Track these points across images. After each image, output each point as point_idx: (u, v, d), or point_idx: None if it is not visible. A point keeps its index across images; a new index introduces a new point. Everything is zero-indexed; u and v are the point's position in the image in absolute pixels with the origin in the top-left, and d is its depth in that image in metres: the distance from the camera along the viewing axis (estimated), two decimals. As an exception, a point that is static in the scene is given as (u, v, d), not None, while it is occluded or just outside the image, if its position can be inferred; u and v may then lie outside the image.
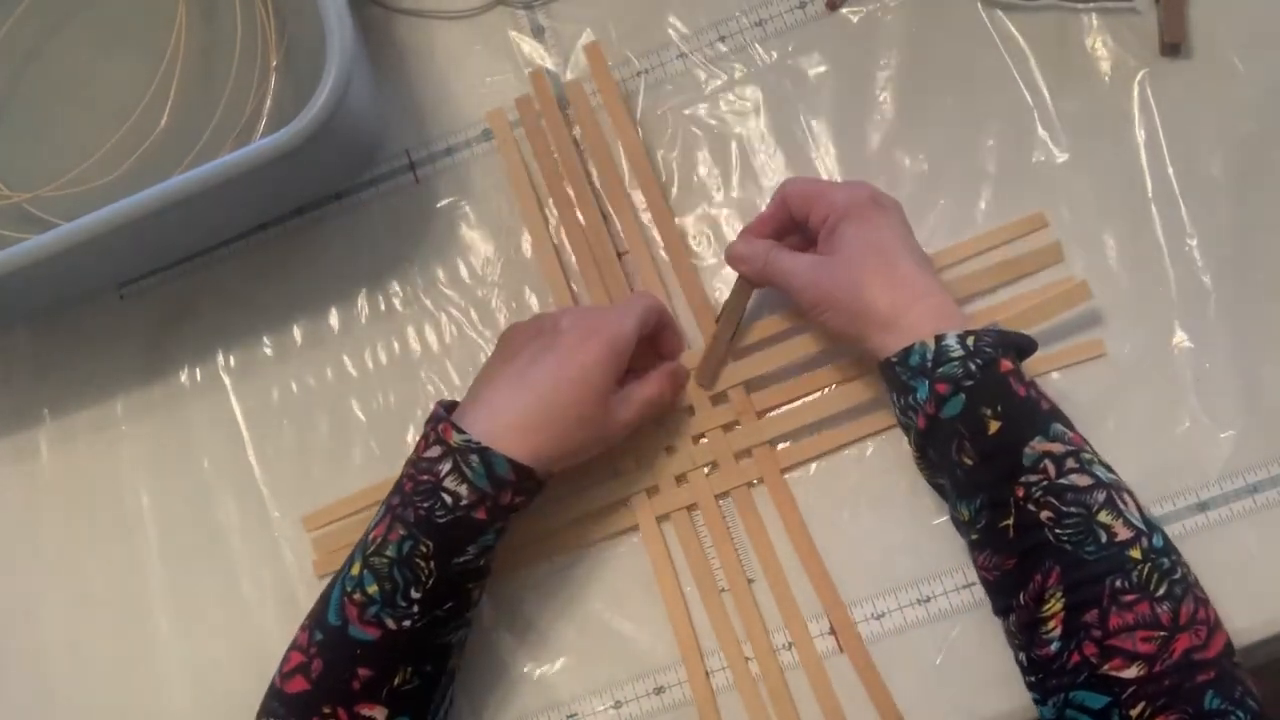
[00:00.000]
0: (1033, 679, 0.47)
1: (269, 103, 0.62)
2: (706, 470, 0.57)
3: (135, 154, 0.62)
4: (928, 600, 0.54)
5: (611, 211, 0.61)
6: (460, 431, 0.49)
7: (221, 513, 0.62)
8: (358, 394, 0.62)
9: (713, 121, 0.61)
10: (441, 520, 0.49)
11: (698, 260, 0.60)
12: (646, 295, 0.57)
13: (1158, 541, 0.45)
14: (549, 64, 0.63)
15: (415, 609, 0.48)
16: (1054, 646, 0.45)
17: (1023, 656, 0.47)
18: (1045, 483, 0.45)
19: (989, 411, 0.46)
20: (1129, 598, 0.43)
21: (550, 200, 0.61)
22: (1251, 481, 0.53)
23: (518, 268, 0.62)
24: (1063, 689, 0.45)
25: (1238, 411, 0.54)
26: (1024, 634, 0.47)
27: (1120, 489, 0.46)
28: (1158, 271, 0.56)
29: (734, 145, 0.61)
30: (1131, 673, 0.43)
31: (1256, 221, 0.56)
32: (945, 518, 0.54)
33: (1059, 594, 0.45)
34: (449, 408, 0.52)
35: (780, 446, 0.57)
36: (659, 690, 0.56)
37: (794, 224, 0.55)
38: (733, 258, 0.56)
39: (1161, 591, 0.43)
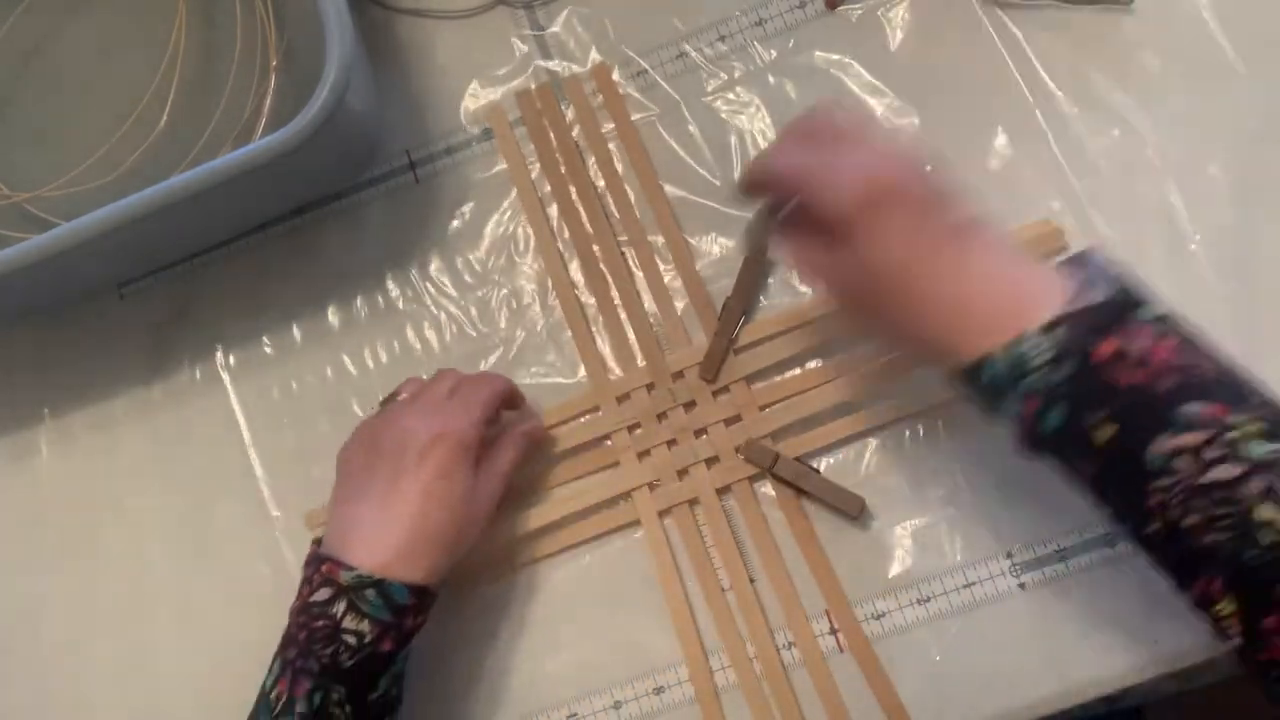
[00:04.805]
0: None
1: (269, 103, 0.62)
2: (708, 465, 0.57)
3: (135, 154, 0.62)
4: (928, 600, 0.54)
5: (614, 210, 0.61)
6: (348, 568, 0.48)
7: (221, 512, 0.62)
8: (358, 393, 0.62)
9: (712, 120, 0.61)
10: (348, 663, 0.47)
11: (699, 259, 0.60)
12: (489, 377, 0.56)
13: None
14: (549, 63, 0.63)
15: None
16: (1240, 641, 0.38)
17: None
18: (1183, 485, 0.37)
19: (1095, 418, 0.38)
20: None
21: (552, 199, 0.62)
22: (1252, 481, 0.53)
23: (518, 267, 0.62)
24: (1268, 678, 0.38)
25: (1238, 411, 0.54)
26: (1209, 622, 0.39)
27: None
28: (1160, 270, 0.56)
29: (734, 144, 0.61)
30: None
31: (1258, 221, 0.56)
32: (946, 515, 0.54)
33: (1229, 599, 0.37)
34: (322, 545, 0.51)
35: (782, 441, 0.57)
36: (659, 690, 0.56)
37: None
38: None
39: None
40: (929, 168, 0.43)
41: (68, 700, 0.61)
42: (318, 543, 0.52)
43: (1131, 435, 0.38)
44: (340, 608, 0.48)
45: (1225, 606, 0.37)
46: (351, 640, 0.47)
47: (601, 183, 0.61)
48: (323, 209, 0.64)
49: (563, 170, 0.62)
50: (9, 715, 0.61)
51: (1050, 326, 0.38)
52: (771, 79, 0.61)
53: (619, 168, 0.61)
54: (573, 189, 0.61)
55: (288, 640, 0.49)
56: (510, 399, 0.57)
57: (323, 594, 0.48)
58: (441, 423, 0.51)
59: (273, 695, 0.48)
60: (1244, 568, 0.36)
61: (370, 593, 0.48)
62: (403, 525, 0.49)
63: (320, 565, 0.49)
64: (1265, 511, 0.36)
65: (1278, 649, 0.36)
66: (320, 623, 0.48)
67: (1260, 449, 0.36)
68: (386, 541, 0.49)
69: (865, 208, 0.41)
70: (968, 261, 0.41)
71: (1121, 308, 0.39)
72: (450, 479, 0.50)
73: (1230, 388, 0.38)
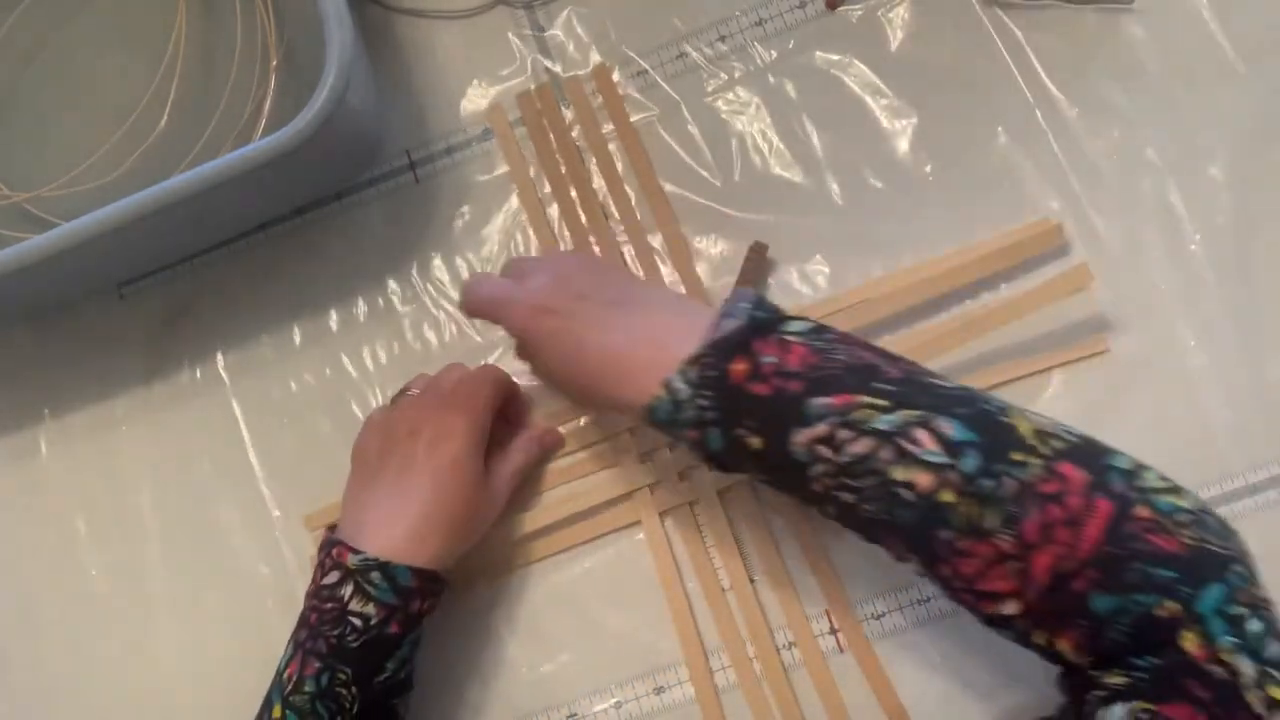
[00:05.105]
0: None
1: (269, 103, 0.62)
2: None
3: (135, 154, 0.62)
4: (927, 600, 0.54)
5: (613, 210, 0.61)
6: (356, 552, 0.49)
7: (221, 513, 0.62)
8: (357, 393, 0.62)
9: (712, 120, 0.61)
10: (354, 644, 0.48)
11: (698, 259, 0.60)
12: (491, 369, 0.57)
13: (969, 464, 0.39)
14: (549, 63, 0.63)
15: None
16: (945, 593, 0.42)
17: None
18: (830, 469, 0.41)
19: (744, 432, 0.42)
20: (962, 544, 0.39)
21: (552, 199, 0.62)
22: (1251, 482, 0.53)
23: (518, 267, 0.62)
24: (983, 624, 0.42)
25: (1238, 410, 0.54)
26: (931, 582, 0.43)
27: (909, 427, 0.40)
28: (1160, 270, 0.56)
29: (734, 144, 0.61)
30: (1011, 610, 0.39)
31: (1258, 221, 0.56)
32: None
33: (910, 557, 0.41)
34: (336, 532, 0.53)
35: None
36: (659, 690, 0.56)
37: None
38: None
39: (993, 522, 0.38)
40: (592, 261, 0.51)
41: (68, 700, 0.61)
42: (332, 528, 0.53)
43: (775, 439, 0.42)
44: (348, 590, 0.49)
45: (916, 565, 0.42)
46: (358, 622, 0.48)
47: (601, 183, 0.61)
48: (323, 209, 0.64)
49: (563, 171, 0.62)
50: (9, 715, 0.61)
51: (689, 364, 0.43)
52: (771, 79, 0.61)
53: (619, 168, 0.61)
54: (573, 189, 0.61)
55: (301, 622, 0.51)
56: (512, 391, 0.57)
57: (332, 577, 0.49)
58: (450, 412, 0.52)
59: (285, 675, 0.49)
60: (903, 528, 0.40)
61: (375, 575, 0.49)
62: (412, 510, 0.50)
63: (331, 549, 0.50)
64: (899, 472, 0.39)
65: (960, 593, 0.40)
66: (329, 605, 0.49)
67: (884, 421, 0.40)
68: (395, 526, 0.50)
69: (535, 326, 0.47)
70: (624, 325, 0.46)
71: (750, 333, 0.43)
72: (459, 466, 0.51)
73: (859, 376, 0.42)
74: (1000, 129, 0.58)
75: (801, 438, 0.41)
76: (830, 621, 0.55)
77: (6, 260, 0.52)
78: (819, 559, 0.55)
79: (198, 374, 0.64)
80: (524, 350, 0.50)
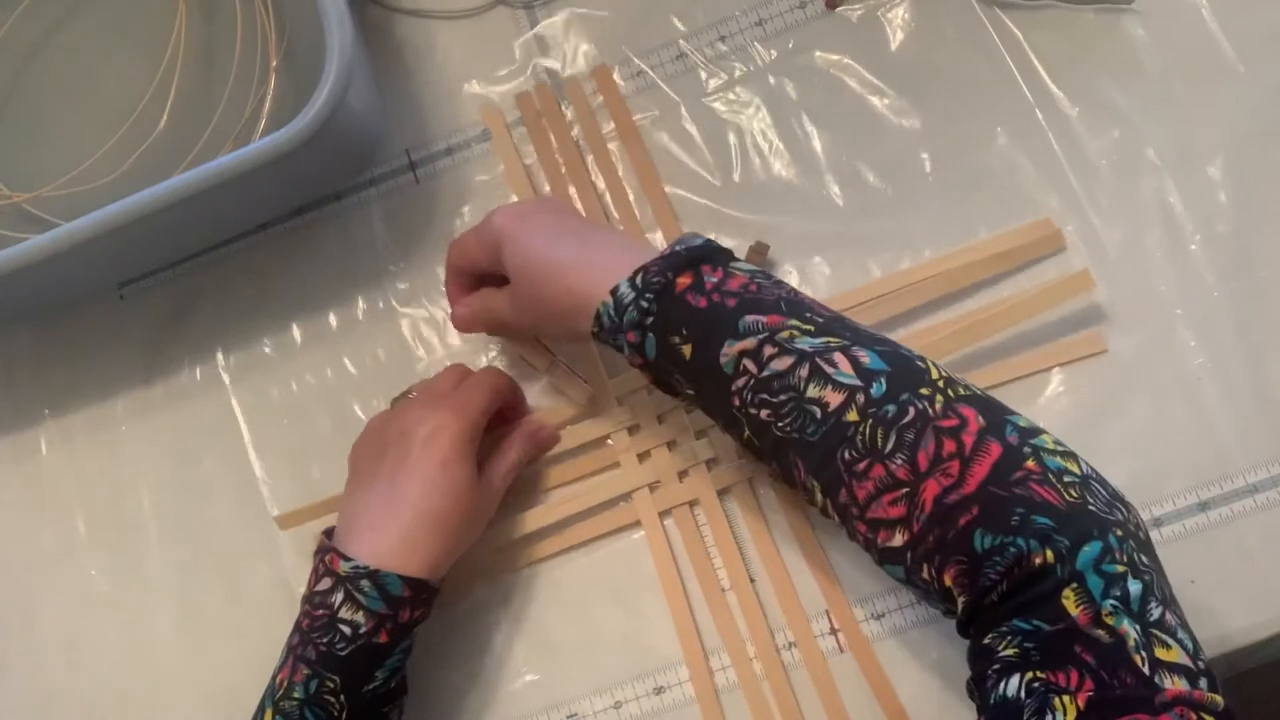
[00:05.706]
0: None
1: (269, 103, 0.62)
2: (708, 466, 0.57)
3: (135, 154, 0.62)
4: (928, 600, 0.54)
5: (613, 210, 0.61)
6: (346, 559, 0.49)
7: (222, 513, 0.62)
8: (358, 393, 0.62)
9: (713, 121, 0.61)
10: (343, 652, 0.48)
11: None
12: (491, 372, 0.57)
13: (877, 389, 0.41)
14: (548, 63, 0.63)
15: None
16: (846, 531, 0.44)
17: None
18: (752, 382, 0.44)
19: (677, 338, 0.45)
20: (861, 465, 0.41)
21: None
22: (1251, 481, 0.53)
23: (518, 267, 0.62)
24: (878, 563, 0.44)
25: (1238, 410, 0.54)
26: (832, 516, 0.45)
27: (830, 351, 0.43)
28: (1160, 270, 0.56)
29: (734, 144, 0.61)
30: (899, 540, 0.41)
31: (1258, 221, 0.56)
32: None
33: (814, 483, 0.43)
34: (332, 536, 0.52)
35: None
36: (659, 690, 0.56)
37: (483, 273, 0.55)
38: (454, 321, 0.57)
39: (890, 445, 0.41)
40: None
41: (68, 700, 0.61)
42: (330, 532, 0.53)
43: (705, 348, 0.45)
44: (338, 598, 0.49)
45: (817, 494, 0.44)
46: (347, 630, 0.48)
47: (601, 183, 0.61)
48: (323, 209, 0.64)
49: (563, 171, 0.62)
50: (9, 715, 0.61)
51: (636, 273, 0.46)
52: (771, 79, 0.61)
53: (619, 168, 0.61)
54: (572, 189, 0.61)
55: (295, 627, 0.50)
56: (511, 397, 0.57)
57: (324, 583, 0.49)
58: (442, 414, 0.52)
59: (277, 680, 0.49)
60: (809, 445, 0.43)
61: (365, 584, 0.48)
62: (403, 515, 0.50)
63: (325, 555, 0.50)
64: (813, 389, 0.42)
65: (856, 525, 0.43)
66: (320, 612, 0.49)
67: (807, 342, 0.43)
68: (386, 531, 0.50)
69: (511, 225, 0.51)
70: (593, 239, 0.50)
71: (698, 256, 0.47)
72: (451, 469, 0.51)
73: (793, 307, 0.45)
74: (1000, 129, 0.58)
75: (730, 350, 0.44)
76: (830, 622, 0.55)
77: (6, 260, 0.52)
78: (819, 559, 0.55)
79: (198, 374, 0.64)
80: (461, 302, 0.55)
